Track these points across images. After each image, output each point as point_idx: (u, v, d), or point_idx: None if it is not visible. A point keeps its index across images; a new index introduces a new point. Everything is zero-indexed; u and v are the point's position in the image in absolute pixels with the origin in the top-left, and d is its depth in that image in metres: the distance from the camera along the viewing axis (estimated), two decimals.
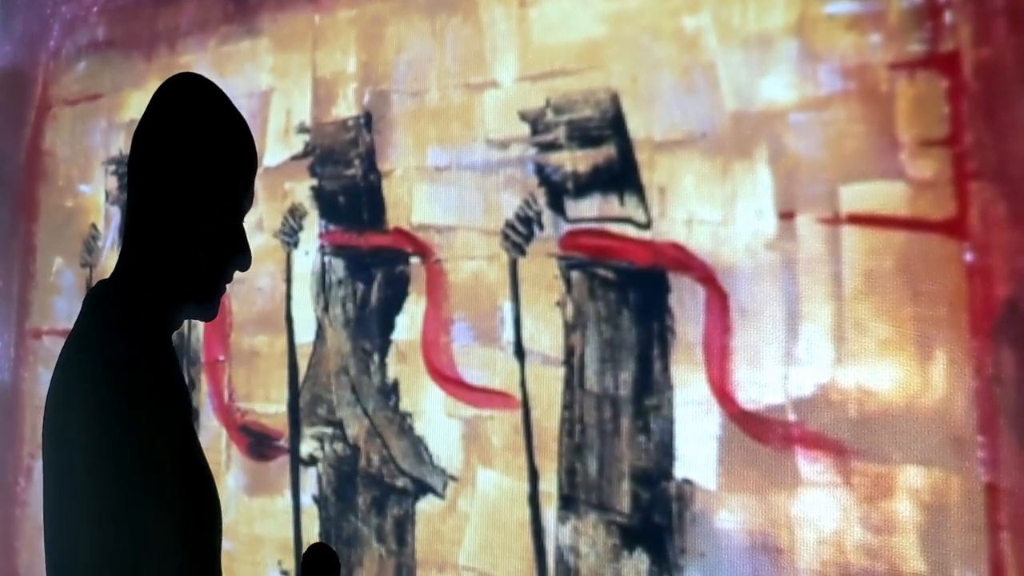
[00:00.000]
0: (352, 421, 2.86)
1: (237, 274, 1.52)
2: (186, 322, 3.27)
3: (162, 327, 1.43)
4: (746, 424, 2.17)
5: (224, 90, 1.49)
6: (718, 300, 2.23)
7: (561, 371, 2.47)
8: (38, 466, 3.66)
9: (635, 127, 2.39)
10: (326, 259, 2.97)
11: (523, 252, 2.56)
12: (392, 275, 2.81)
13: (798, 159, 2.15)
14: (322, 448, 2.92)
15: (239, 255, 1.47)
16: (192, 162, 1.41)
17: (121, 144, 3.57)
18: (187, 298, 1.45)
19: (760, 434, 2.15)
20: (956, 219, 1.95)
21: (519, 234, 2.57)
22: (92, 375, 1.33)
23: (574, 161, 2.48)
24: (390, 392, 2.79)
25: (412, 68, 2.83)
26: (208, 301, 1.47)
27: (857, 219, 2.06)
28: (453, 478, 2.66)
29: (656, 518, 2.29)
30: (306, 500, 2.95)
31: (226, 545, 1.51)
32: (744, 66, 2.24)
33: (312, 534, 2.90)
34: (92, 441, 1.30)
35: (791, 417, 2.11)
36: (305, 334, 3.01)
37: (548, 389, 2.49)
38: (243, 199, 1.47)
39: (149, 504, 1.27)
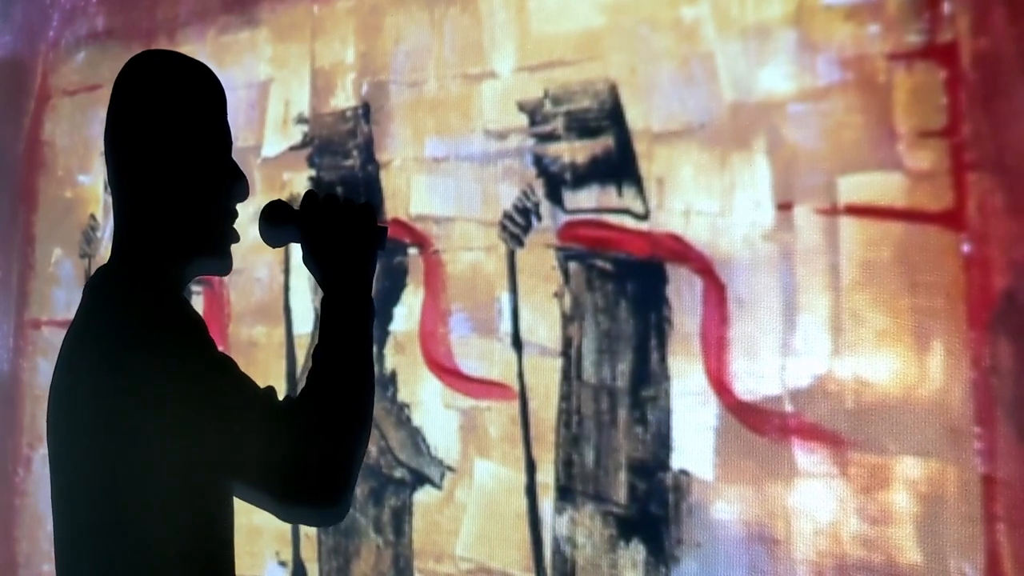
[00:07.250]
0: None
1: (236, 266, 1.52)
2: None
3: (173, 289, 1.44)
4: (743, 415, 2.17)
5: (223, 80, 1.50)
6: (716, 291, 2.23)
7: (559, 362, 2.47)
8: (37, 456, 3.66)
9: (633, 118, 2.38)
10: None
11: (521, 243, 2.56)
12: (390, 266, 2.81)
13: (796, 150, 2.15)
14: None
15: (236, 185, 1.48)
16: (168, 120, 1.43)
17: None
18: (198, 252, 1.46)
19: (757, 425, 2.15)
20: (954, 210, 1.95)
21: (517, 225, 2.57)
22: (111, 355, 1.32)
23: (572, 152, 2.48)
24: (388, 383, 2.79)
25: (410, 58, 2.83)
26: (221, 251, 1.48)
27: (855, 210, 2.06)
28: (450, 469, 2.66)
29: (653, 509, 2.29)
30: None
31: None
32: (742, 57, 2.23)
33: (310, 527, 2.90)
34: (116, 425, 1.29)
35: (788, 408, 2.11)
36: (303, 324, 3.01)
37: (545, 380, 2.49)
38: (224, 136, 1.49)
39: (175, 484, 1.28)
